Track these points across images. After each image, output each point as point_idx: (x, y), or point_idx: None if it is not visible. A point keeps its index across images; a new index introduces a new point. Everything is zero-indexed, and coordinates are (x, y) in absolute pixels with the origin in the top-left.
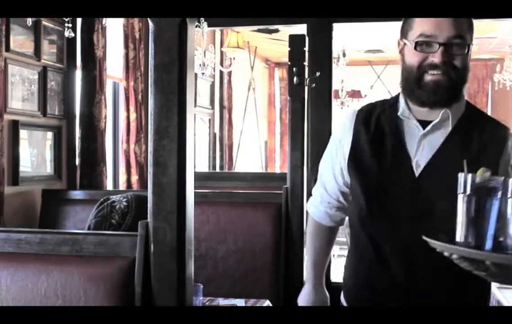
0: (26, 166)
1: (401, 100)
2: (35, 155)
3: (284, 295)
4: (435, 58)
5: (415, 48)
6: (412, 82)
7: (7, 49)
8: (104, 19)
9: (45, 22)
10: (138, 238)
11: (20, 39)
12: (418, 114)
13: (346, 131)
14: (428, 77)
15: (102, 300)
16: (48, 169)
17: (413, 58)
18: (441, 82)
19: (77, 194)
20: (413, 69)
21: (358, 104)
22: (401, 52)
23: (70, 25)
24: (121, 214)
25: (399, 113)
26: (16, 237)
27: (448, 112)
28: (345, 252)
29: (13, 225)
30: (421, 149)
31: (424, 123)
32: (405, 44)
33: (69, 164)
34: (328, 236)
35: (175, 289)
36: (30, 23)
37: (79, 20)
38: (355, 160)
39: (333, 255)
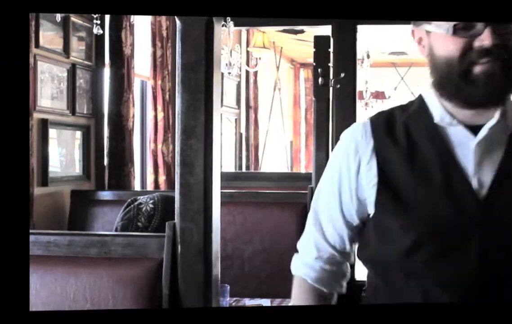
0: (55, 166)
1: (434, 103)
2: (64, 155)
3: None
4: (484, 41)
5: (453, 33)
6: (456, 78)
7: (37, 45)
8: (132, 16)
9: (73, 18)
10: (166, 239)
11: (49, 35)
12: (462, 119)
13: (364, 150)
14: (478, 68)
15: (130, 302)
16: (77, 169)
17: (450, 47)
18: (496, 70)
19: (105, 194)
20: (454, 61)
21: (382, 105)
22: (422, 43)
23: (98, 22)
24: (147, 217)
25: (436, 120)
26: (45, 239)
27: (506, 109)
28: None
29: (43, 227)
30: (479, 163)
31: (472, 129)
32: (428, 32)
33: (97, 164)
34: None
35: (202, 290)
36: (59, 19)
37: (107, 17)
38: (388, 188)
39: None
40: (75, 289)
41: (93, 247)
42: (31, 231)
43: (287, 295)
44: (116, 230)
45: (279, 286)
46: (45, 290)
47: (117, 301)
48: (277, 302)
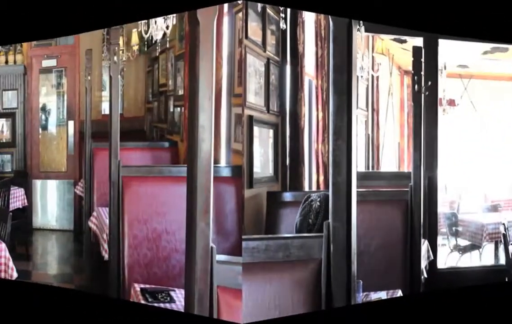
0: (255, 166)
1: None
2: (262, 154)
3: (410, 284)
4: None
5: None
6: None
7: (246, 35)
8: (303, 12)
9: (268, 9)
10: (323, 239)
11: (252, 26)
12: None
13: None
14: None
15: (303, 306)
16: (270, 169)
17: None
18: None
19: (287, 196)
20: None
21: (453, 111)
22: None
23: (283, 15)
24: (315, 214)
25: None
26: (251, 245)
27: None
28: (446, 242)
29: (249, 232)
30: None
31: None
32: None
33: (282, 164)
34: None
35: (345, 287)
36: (260, 9)
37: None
38: None
39: (439, 244)
40: (269, 297)
41: (280, 251)
42: (244, 237)
43: (396, 286)
44: (296, 226)
45: (390, 277)
46: (251, 300)
47: (294, 306)
48: (390, 293)
